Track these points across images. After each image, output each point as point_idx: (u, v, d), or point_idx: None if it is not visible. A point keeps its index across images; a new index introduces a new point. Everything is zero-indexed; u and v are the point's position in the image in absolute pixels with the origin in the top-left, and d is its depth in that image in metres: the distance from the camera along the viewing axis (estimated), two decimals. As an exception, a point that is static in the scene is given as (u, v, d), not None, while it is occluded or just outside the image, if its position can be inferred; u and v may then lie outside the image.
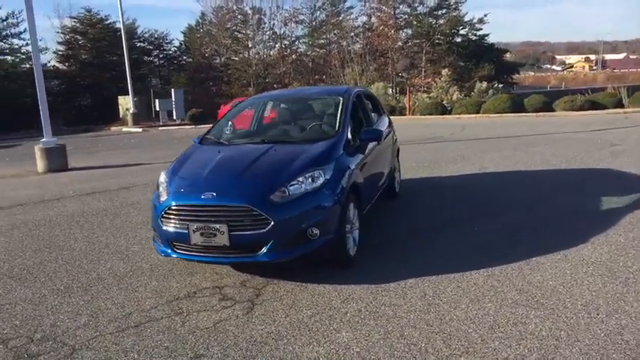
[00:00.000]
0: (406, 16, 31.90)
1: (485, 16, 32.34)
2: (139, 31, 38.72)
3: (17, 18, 31.33)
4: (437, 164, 9.05)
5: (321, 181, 3.82)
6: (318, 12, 35.08)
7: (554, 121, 16.23)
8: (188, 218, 3.68)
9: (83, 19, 34.35)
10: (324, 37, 34.48)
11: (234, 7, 36.28)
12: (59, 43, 34.72)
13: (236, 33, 35.45)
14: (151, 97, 28.82)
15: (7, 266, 4.65)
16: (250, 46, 36.16)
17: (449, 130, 15.34)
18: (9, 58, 31.81)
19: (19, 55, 32.04)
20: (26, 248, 5.21)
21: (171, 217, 3.76)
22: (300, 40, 36.05)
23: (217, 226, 3.57)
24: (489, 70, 28.14)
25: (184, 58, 40.72)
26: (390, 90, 28.30)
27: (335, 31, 33.02)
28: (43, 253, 5.02)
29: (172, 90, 28.41)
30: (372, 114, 5.83)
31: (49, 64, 34.14)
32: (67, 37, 34.34)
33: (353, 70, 27.26)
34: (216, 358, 2.84)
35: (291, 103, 5.61)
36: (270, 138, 4.70)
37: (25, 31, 32.37)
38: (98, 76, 33.91)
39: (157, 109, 27.52)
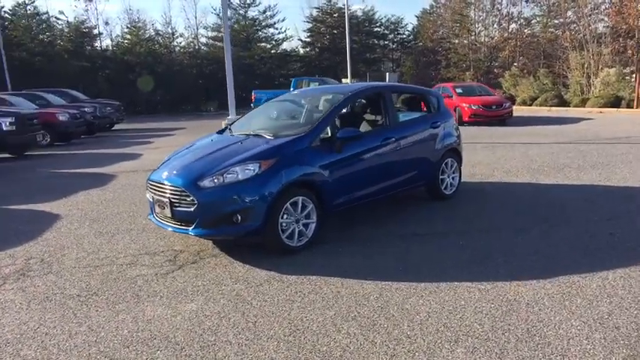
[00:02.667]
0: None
1: None
2: (376, 16, 41.11)
3: (272, 10, 37.00)
4: (559, 170, 7.83)
5: (253, 173, 4.23)
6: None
7: None
8: (152, 191, 4.59)
9: (325, 8, 38.30)
10: (560, 17, 30.49)
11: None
12: (304, 31, 39.64)
13: (462, 16, 34.31)
14: (367, 80, 30.63)
15: (98, 210, 6.38)
16: (481, 28, 34.60)
17: (659, 130, 12.47)
18: (263, 44, 37.89)
19: (272, 42, 37.92)
20: (129, 200, 6.93)
21: (149, 188, 4.73)
22: (532, 21, 32.74)
23: (164, 200, 4.39)
24: None
25: (415, 42, 41.50)
26: (635, 77, 23.53)
27: (574, 9, 28.86)
28: (133, 205, 6.63)
29: (387, 74, 29.63)
30: (403, 112, 5.67)
31: (296, 50, 39.62)
32: (311, 25, 38.87)
33: (588, 51, 23.59)
34: (103, 297, 3.69)
35: (305, 100, 5.90)
36: (254, 131, 5.19)
37: (278, 21, 38.07)
38: (332, 60, 37.59)
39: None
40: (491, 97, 16.60)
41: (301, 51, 39.55)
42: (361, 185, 5.02)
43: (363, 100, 5.91)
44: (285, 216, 4.34)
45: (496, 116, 15.68)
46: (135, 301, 3.61)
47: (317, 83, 22.57)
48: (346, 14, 29.22)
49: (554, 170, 7.82)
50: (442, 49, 34.91)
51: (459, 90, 16.94)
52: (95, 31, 36.73)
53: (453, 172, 6.26)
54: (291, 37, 36.95)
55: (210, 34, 38.17)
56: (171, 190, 4.35)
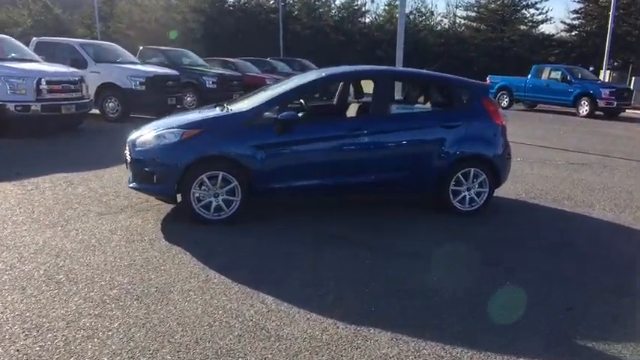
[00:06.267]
0: None
1: None
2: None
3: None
4: None
5: (174, 140, 4.45)
6: None
7: None
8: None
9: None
10: None
11: None
12: (571, 12, 34.53)
13: None
14: (628, 72, 25.13)
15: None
16: None
17: None
18: (517, 26, 34.59)
19: (528, 23, 34.32)
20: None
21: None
22: None
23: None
24: None
25: None
26: None
27: None
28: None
29: (660, 68, 23.71)
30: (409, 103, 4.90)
31: (557, 35, 34.91)
32: (582, 5, 33.49)
33: None
34: (56, 217, 4.57)
35: (304, 78, 5.48)
36: (229, 102, 5.20)
37: (539, 1, 34.01)
38: (600, 47, 31.79)
39: (632, 87, 23.88)
40: None
41: (563, 35, 34.64)
42: (308, 175, 4.66)
43: (351, 84, 5.29)
44: (202, 187, 4.44)
45: None
46: (58, 227, 4.34)
47: (559, 72, 19.21)
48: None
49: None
50: None
51: None
52: (363, 9, 39.95)
53: (479, 187, 5.06)
54: (551, 18, 32.59)
55: (464, 13, 36.95)
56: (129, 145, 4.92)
